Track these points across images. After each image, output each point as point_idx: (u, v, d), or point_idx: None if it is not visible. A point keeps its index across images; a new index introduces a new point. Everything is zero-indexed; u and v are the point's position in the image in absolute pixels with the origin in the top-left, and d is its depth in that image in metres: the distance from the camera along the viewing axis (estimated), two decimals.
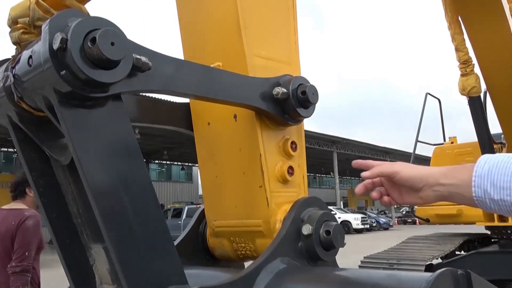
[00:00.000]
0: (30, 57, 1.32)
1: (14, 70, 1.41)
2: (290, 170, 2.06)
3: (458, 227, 10.42)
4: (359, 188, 1.56)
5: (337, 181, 45.31)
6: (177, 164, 53.50)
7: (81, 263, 1.69)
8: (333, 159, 41.30)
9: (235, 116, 2.05)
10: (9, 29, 1.50)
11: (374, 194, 1.51)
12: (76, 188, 1.64)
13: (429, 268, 7.60)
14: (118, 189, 1.38)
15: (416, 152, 9.27)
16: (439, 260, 8.75)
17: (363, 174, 1.47)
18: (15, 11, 1.47)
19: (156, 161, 47.20)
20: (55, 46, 1.19)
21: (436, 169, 1.31)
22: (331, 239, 1.83)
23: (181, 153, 39.89)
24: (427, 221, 9.11)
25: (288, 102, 1.94)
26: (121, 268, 1.31)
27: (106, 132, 1.38)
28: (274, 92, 1.91)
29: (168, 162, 50.26)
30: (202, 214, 2.35)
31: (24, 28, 1.47)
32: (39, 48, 1.26)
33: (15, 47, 1.52)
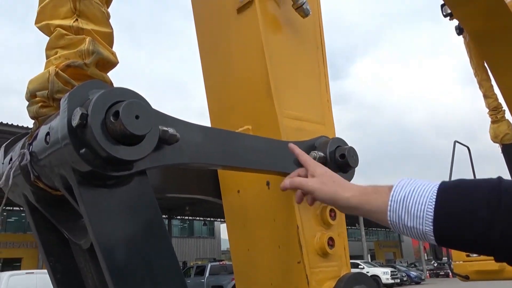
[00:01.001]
0: (48, 133, 1.20)
1: (31, 147, 1.29)
2: (331, 242, 1.86)
3: (499, 283, 9.74)
4: (283, 185, 1.53)
5: (363, 233, 43.98)
6: (199, 220, 53.06)
7: None
8: None
9: (267, 183, 1.89)
10: (27, 103, 1.41)
11: (297, 199, 1.57)
12: (97, 274, 1.46)
13: None
14: (142, 276, 1.21)
15: None
16: None
17: (282, 184, 1.51)
18: (34, 84, 1.37)
19: (178, 217, 46.90)
20: (74, 122, 1.07)
21: (350, 190, 1.33)
22: None
23: (203, 209, 39.59)
24: (466, 278, 8.52)
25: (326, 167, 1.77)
26: None
27: (129, 212, 1.23)
28: (311, 157, 1.74)
29: (190, 218, 49.90)
30: None
31: (43, 102, 1.37)
32: (57, 124, 1.14)
33: (33, 121, 1.42)
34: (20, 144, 1.39)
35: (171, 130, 1.24)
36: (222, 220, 47.98)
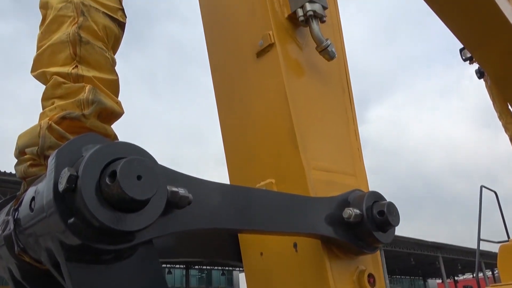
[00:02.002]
0: (33, 198, 1.00)
1: (16, 213, 1.08)
2: None
3: None
4: None
5: (387, 281, 42.25)
6: (217, 269, 51.83)
7: None
8: (380, 257, 38.86)
9: (295, 245, 1.64)
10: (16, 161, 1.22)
11: None
12: None
13: None
14: None
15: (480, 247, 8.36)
16: None
17: None
18: (23, 139, 1.19)
19: (196, 267, 45.87)
20: (61, 186, 0.87)
21: None
22: None
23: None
24: None
25: (362, 226, 1.53)
26: None
27: None
28: (345, 215, 1.51)
29: (208, 268, 48.79)
30: None
31: (32, 160, 1.18)
32: (43, 187, 0.94)
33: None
34: (5, 210, 1.19)
35: (182, 191, 1.02)
36: (240, 269, 46.77)
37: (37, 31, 1.46)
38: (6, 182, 16.57)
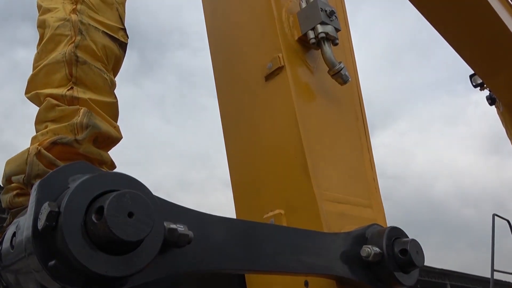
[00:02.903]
0: (14, 234, 0.88)
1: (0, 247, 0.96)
2: None
3: None
4: None
5: None
6: None
7: None
8: None
9: (306, 284, 1.50)
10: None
11: None
12: None
13: None
14: None
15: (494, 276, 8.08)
16: None
17: None
18: (10, 166, 1.08)
19: None
20: (40, 224, 0.75)
21: None
22: None
23: None
24: None
25: (382, 266, 1.38)
26: None
27: None
28: (364, 253, 1.37)
29: None
30: None
31: (19, 188, 1.07)
32: (23, 223, 0.82)
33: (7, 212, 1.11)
34: None
35: (181, 228, 0.90)
36: None
37: None
38: None
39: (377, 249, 1.37)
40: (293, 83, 1.73)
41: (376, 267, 1.39)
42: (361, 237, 1.45)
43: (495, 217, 9.19)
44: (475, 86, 6.36)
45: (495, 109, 6.55)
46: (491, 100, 6.33)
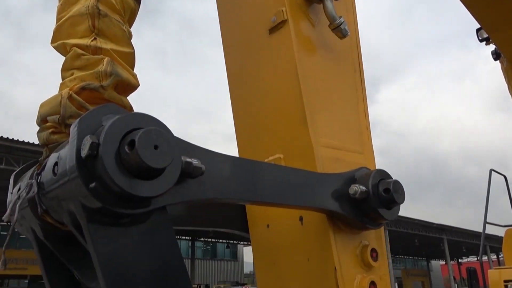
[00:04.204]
0: (56, 163, 1.05)
1: (39, 177, 1.15)
2: (372, 286, 1.64)
3: None
4: None
5: (390, 260, 42.61)
6: (222, 242, 52.73)
7: None
8: (384, 237, 39.13)
9: (301, 219, 1.70)
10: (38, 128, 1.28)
11: None
12: None
13: None
14: None
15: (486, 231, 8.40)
16: None
17: None
18: (45, 108, 1.24)
19: (201, 239, 46.67)
20: (83, 153, 0.92)
21: None
22: None
23: (227, 232, 39.37)
24: None
25: (367, 202, 1.58)
26: None
27: (145, 254, 1.06)
28: (351, 191, 1.55)
29: (213, 240, 49.63)
30: None
31: (54, 127, 1.23)
32: (66, 153, 1.00)
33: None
34: (28, 174, 1.26)
35: (195, 162, 1.08)
36: (245, 243, 47.44)
37: (50, 5, 1.49)
38: (19, 150, 16.85)
39: (363, 188, 1.56)
40: (295, 36, 1.85)
41: (362, 203, 1.58)
42: (351, 178, 1.63)
43: (492, 172, 9.41)
44: (481, 40, 6.35)
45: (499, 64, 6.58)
46: (496, 55, 6.34)
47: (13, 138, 16.56)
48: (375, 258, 1.69)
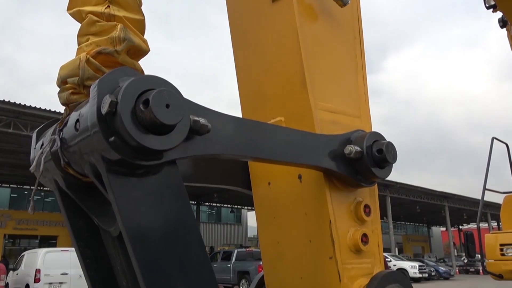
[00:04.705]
0: (78, 120, 1.18)
1: (61, 133, 1.27)
2: (364, 238, 1.79)
3: None
4: None
5: (391, 226, 43.20)
6: (227, 207, 53.73)
7: None
8: (386, 203, 39.66)
9: (299, 177, 1.83)
10: (58, 89, 1.39)
11: None
12: (125, 261, 1.45)
13: None
14: (170, 265, 1.18)
15: (485, 198, 8.57)
16: None
17: None
18: (65, 70, 1.36)
19: (206, 203, 47.53)
20: (104, 110, 1.04)
21: None
22: None
23: (231, 196, 39.95)
24: (500, 277, 8.24)
25: (361, 162, 1.70)
26: None
27: (158, 202, 1.20)
28: (346, 151, 1.68)
29: (217, 205, 50.55)
30: (262, 281, 2.10)
31: (73, 88, 1.35)
32: (87, 111, 1.12)
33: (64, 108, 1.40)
34: (51, 130, 1.38)
35: (202, 120, 1.20)
36: (249, 208, 48.28)
37: None
38: (26, 114, 17.03)
39: (358, 148, 1.68)
40: (297, 3, 1.92)
41: (357, 163, 1.70)
42: (347, 140, 1.75)
43: (495, 140, 9.48)
44: (487, 7, 6.30)
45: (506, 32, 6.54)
46: (502, 23, 6.31)
47: (20, 103, 16.70)
48: (368, 213, 1.83)
